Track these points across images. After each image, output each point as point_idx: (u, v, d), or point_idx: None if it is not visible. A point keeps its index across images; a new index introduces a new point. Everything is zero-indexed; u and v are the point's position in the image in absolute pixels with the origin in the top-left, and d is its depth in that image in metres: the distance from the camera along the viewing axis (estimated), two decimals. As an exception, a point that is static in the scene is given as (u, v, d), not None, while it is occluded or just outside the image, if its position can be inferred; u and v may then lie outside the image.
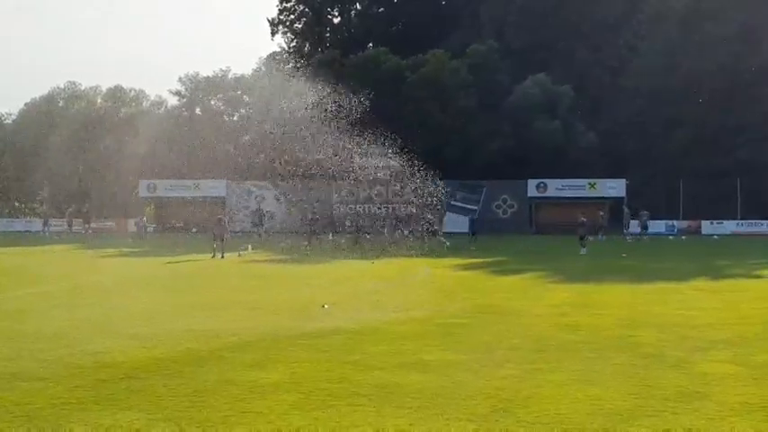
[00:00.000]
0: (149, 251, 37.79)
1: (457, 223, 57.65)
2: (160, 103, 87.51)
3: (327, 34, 79.47)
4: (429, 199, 44.04)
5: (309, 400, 8.91)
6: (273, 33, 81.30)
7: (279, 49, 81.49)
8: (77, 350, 11.76)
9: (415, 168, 41.87)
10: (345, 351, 11.82)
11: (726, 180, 55.62)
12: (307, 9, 78.68)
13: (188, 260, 32.27)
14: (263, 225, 52.35)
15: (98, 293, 20.02)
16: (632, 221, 54.39)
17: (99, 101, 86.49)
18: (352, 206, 58.59)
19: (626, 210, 55.17)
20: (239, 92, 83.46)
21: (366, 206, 58.50)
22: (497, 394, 9.12)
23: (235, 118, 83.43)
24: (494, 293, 19.95)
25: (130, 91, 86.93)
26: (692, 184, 56.69)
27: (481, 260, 31.97)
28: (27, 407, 8.67)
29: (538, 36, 65.57)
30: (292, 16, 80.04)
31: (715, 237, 51.46)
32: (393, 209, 57.88)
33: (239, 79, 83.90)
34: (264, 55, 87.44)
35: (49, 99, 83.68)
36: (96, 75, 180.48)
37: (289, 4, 79.25)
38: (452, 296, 19.33)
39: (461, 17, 71.26)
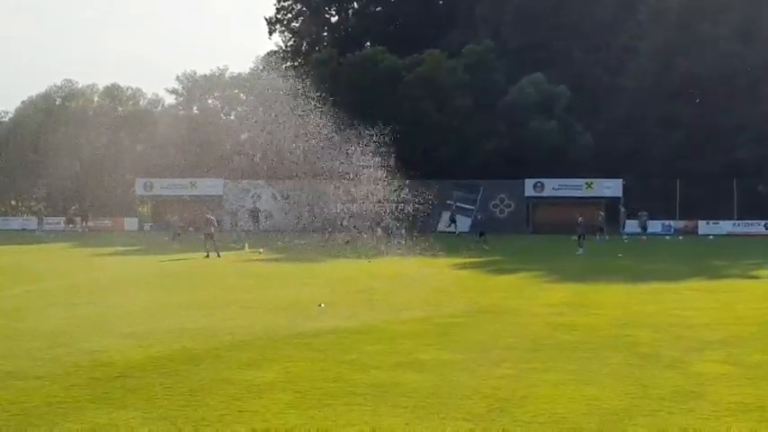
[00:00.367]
0: (145, 249, 37.74)
1: (457, 223, 57.77)
2: (157, 101, 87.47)
3: (325, 33, 79.42)
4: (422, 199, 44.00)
5: (305, 399, 8.92)
6: (271, 32, 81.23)
7: (276, 48, 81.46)
8: (74, 348, 11.77)
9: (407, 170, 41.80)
10: (341, 350, 11.83)
11: (722, 180, 55.64)
12: (304, 8, 78.60)
13: (186, 259, 32.26)
14: (258, 224, 52.33)
15: (94, 292, 20.00)
16: (628, 221, 54.48)
17: (96, 99, 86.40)
18: (348, 205, 58.54)
19: (622, 210, 55.22)
20: (236, 90, 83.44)
21: (362, 206, 58.42)
22: (493, 394, 9.14)
23: (232, 117, 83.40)
24: (490, 293, 19.96)
25: (127, 89, 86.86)
26: (688, 185, 56.68)
27: (477, 259, 31.99)
28: (22, 405, 8.67)
29: (534, 36, 65.56)
30: (290, 15, 79.96)
31: (711, 237, 51.50)
32: (389, 209, 57.82)
33: (236, 78, 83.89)
34: (262, 54, 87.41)
35: (46, 97, 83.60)
36: (96, 74, 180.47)
37: (286, 3, 79.15)
38: (448, 295, 19.33)
39: (458, 17, 71.23)
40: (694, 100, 63.45)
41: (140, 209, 66.90)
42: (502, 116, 60.41)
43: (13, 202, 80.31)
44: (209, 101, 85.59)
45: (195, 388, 9.45)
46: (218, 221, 39.95)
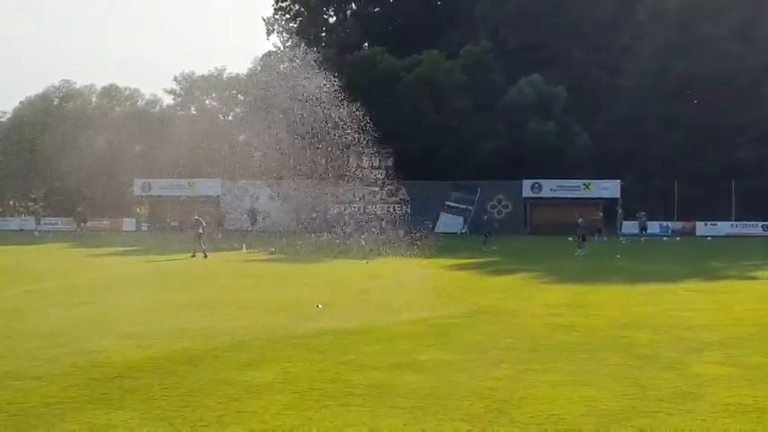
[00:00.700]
0: (144, 249, 37.71)
1: (455, 224, 57.87)
2: (155, 102, 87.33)
3: (323, 34, 79.41)
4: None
5: (303, 400, 8.92)
6: (269, 33, 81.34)
7: (274, 49, 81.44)
8: (72, 349, 11.76)
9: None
10: (339, 351, 11.83)
11: (721, 181, 55.67)
12: (302, 9, 78.61)
13: (184, 259, 32.24)
14: (256, 223, 52.30)
15: (93, 292, 19.98)
16: (626, 222, 54.50)
17: (94, 99, 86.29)
18: (346, 206, 58.59)
19: (619, 211, 55.26)
20: (234, 91, 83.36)
21: (360, 206, 58.47)
22: (492, 395, 9.13)
23: (230, 117, 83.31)
24: (488, 294, 19.96)
25: (125, 90, 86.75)
26: (687, 185, 56.71)
27: (476, 260, 32.00)
28: (20, 406, 8.67)
29: (534, 36, 65.61)
30: (288, 16, 79.98)
31: (709, 238, 51.53)
32: (387, 209, 57.90)
33: (235, 78, 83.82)
34: (260, 54, 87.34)
35: (44, 97, 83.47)
36: (95, 75, 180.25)
37: (284, 4, 79.17)
38: (447, 296, 19.33)
39: (457, 17, 71.25)
40: (693, 100, 63.47)
41: (138, 209, 66.84)
42: (500, 117, 60.44)
43: (11, 203, 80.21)
44: (207, 101, 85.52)
45: (194, 388, 9.45)
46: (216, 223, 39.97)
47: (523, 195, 58.47)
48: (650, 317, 15.71)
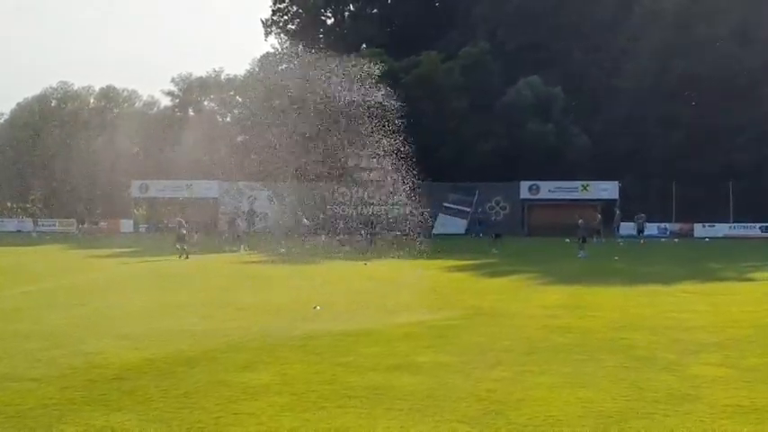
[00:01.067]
0: (141, 251, 37.68)
1: (453, 225, 57.84)
2: (153, 103, 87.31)
3: (321, 36, 79.40)
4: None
5: (301, 402, 8.91)
6: (267, 34, 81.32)
7: (272, 50, 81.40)
8: (70, 350, 11.75)
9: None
10: (337, 353, 11.82)
11: (719, 183, 55.71)
12: (300, 10, 78.63)
13: (180, 260, 32.24)
14: (254, 225, 52.26)
15: (91, 293, 19.97)
16: (623, 224, 54.51)
17: (91, 101, 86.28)
18: (345, 208, 58.63)
19: (617, 212, 55.27)
20: (232, 92, 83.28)
21: (359, 208, 58.50)
22: (489, 396, 9.13)
23: (228, 119, 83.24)
24: (486, 295, 19.95)
25: (123, 91, 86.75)
26: (684, 187, 56.78)
27: (474, 262, 32.00)
28: (17, 407, 8.65)
29: (533, 36, 65.67)
30: (286, 17, 79.98)
31: (707, 239, 51.57)
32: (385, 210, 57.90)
33: (233, 80, 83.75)
34: (258, 56, 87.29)
35: (42, 99, 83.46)
36: (95, 75, 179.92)
37: (282, 5, 79.20)
38: (444, 298, 19.33)
39: (455, 18, 71.31)
40: (692, 101, 63.53)
41: (136, 211, 66.81)
42: (499, 118, 60.49)
43: (8, 204, 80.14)
44: (205, 103, 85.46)
45: (191, 390, 9.44)
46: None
47: (521, 197, 58.50)
48: (648, 318, 15.71)
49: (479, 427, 7.96)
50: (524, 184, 58.22)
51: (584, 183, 57.72)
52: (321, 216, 53.94)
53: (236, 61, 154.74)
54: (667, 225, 57.16)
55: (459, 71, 61.61)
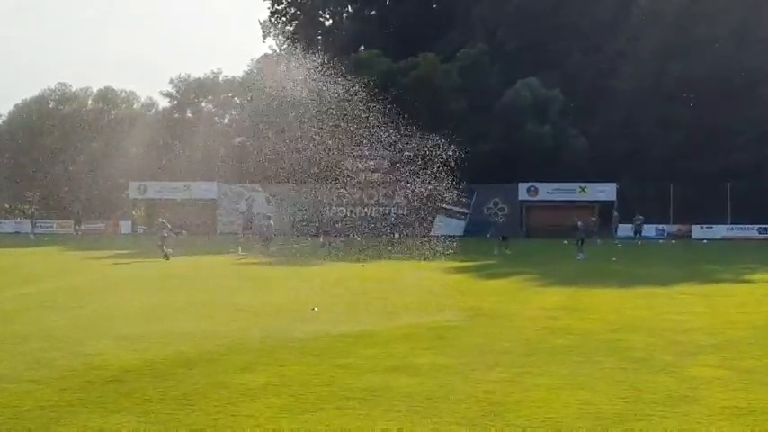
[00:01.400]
0: (139, 252, 37.66)
1: (451, 227, 57.81)
2: (151, 104, 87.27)
3: (319, 37, 79.41)
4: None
5: (299, 404, 8.92)
6: (265, 36, 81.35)
7: (270, 52, 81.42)
8: (68, 352, 11.75)
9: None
10: (335, 354, 11.82)
11: (716, 184, 55.75)
12: (298, 12, 78.65)
13: (179, 261, 32.22)
14: (251, 227, 52.30)
15: (89, 294, 19.95)
16: (621, 225, 54.55)
17: (90, 102, 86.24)
18: (342, 209, 58.73)
19: (615, 214, 55.30)
20: (230, 94, 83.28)
21: (357, 209, 58.59)
22: (487, 398, 9.14)
23: (226, 120, 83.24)
24: (484, 297, 19.95)
25: (121, 93, 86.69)
26: (682, 188, 56.82)
27: (471, 263, 32.00)
28: (16, 408, 8.66)
29: (530, 38, 65.70)
30: (284, 19, 79.99)
31: (705, 241, 51.61)
32: (383, 212, 57.99)
33: (231, 81, 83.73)
34: (256, 57, 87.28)
35: (40, 100, 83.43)
36: (95, 76, 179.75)
37: (280, 7, 79.22)
38: (443, 299, 19.30)
39: (454, 19, 71.32)
40: (690, 103, 63.55)
41: (134, 212, 66.78)
42: (497, 119, 60.51)
43: (6, 205, 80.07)
44: (203, 104, 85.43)
45: (189, 392, 9.44)
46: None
47: (520, 198, 58.51)
48: (645, 320, 15.72)
49: (478, 429, 7.97)
50: (522, 186, 58.26)
51: (582, 185, 57.73)
52: (302, 218, 54.19)
53: (236, 62, 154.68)
54: (665, 227, 57.20)
55: (458, 72, 61.63)
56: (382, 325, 14.80)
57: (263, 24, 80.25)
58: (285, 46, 79.44)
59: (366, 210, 58.46)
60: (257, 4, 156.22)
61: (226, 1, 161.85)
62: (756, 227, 55.70)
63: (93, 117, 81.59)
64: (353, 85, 35.37)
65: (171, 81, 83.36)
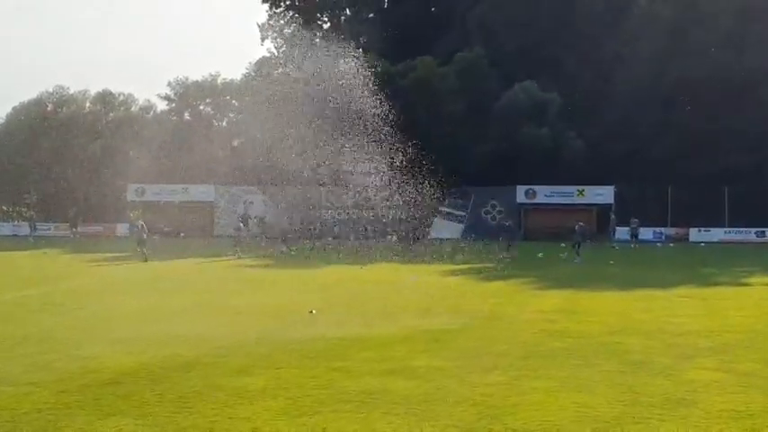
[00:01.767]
0: (137, 254, 37.62)
1: (449, 230, 57.78)
2: (149, 107, 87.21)
3: (317, 40, 79.33)
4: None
5: (296, 406, 8.91)
6: (263, 39, 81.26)
7: (268, 55, 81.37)
8: (65, 355, 11.74)
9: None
10: (332, 357, 11.82)
11: (714, 187, 55.73)
12: (296, 14, 78.58)
13: (176, 264, 32.22)
14: (248, 229, 52.23)
15: (86, 297, 19.95)
16: (619, 228, 54.51)
17: (87, 105, 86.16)
18: (340, 212, 58.73)
19: (612, 216, 55.27)
20: (228, 97, 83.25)
21: (355, 211, 58.55)
22: (484, 401, 9.13)
23: (224, 123, 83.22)
24: (481, 299, 19.95)
25: (119, 95, 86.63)
26: (680, 191, 56.80)
27: (469, 266, 31.99)
28: (13, 411, 8.64)
29: (528, 41, 65.64)
30: (282, 21, 79.94)
31: (702, 244, 51.61)
32: (381, 215, 57.93)
33: (229, 84, 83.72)
34: (254, 60, 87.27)
35: (38, 103, 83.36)
36: (94, 76, 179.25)
37: (278, 10, 79.19)
38: (440, 302, 19.32)
39: (452, 22, 71.30)
40: (685, 106, 63.56)
41: (132, 214, 66.69)
42: (494, 123, 60.51)
43: (4, 208, 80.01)
44: (201, 107, 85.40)
45: (186, 394, 9.43)
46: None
47: (518, 201, 58.51)
48: (643, 323, 15.72)
49: (475, 432, 7.97)
50: (520, 189, 58.27)
51: (580, 188, 57.72)
52: (300, 220, 54.17)
53: (235, 63, 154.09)
54: (663, 229, 57.17)
55: (455, 75, 61.66)
56: (379, 328, 14.79)
57: (261, 27, 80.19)
58: (283, 48, 79.45)
59: (364, 213, 58.40)
60: (257, 6, 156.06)
61: (226, 2, 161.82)
62: (754, 230, 55.69)
63: (91, 119, 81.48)
64: (351, 88, 35.39)
65: (169, 84, 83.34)
